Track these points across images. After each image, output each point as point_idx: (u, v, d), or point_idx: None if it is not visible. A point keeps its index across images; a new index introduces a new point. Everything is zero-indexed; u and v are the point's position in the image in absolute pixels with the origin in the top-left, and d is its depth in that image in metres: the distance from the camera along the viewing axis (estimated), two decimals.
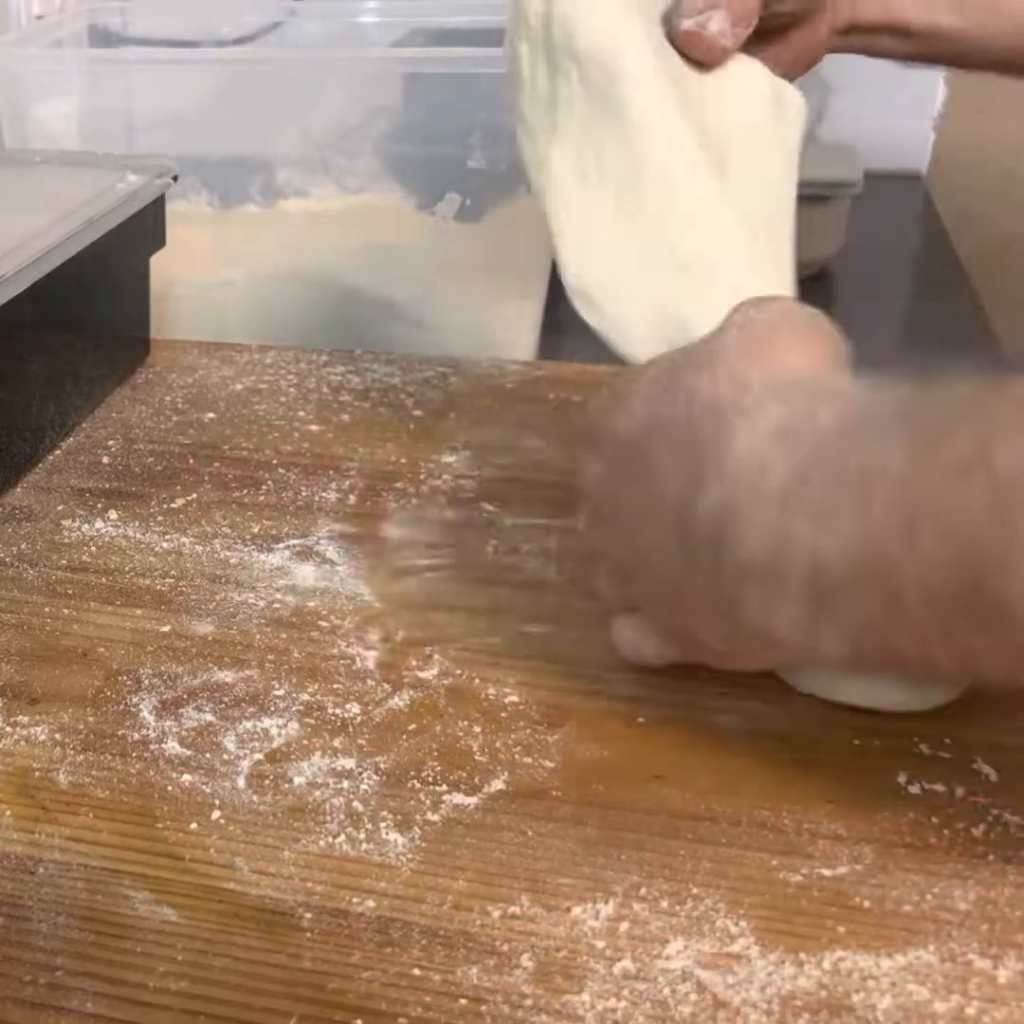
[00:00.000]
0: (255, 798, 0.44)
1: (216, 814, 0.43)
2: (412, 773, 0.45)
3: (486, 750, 0.46)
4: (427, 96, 0.84)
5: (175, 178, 0.74)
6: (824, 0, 0.60)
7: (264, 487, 0.63)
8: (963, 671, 0.43)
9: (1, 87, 0.83)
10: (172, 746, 0.46)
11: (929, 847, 0.41)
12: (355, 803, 0.44)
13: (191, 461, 0.66)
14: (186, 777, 0.45)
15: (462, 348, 0.78)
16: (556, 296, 0.94)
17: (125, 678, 0.50)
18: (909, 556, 0.36)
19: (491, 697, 0.49)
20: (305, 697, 0.49)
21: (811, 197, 1.04)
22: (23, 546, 0.59)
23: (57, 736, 0.47)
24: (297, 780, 0.45)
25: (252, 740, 0.47)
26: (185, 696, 0.49)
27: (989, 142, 1.34)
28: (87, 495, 0.63)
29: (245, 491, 0.63)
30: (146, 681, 0.50)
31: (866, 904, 0.39)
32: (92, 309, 0.71)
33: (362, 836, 0.42)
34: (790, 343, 0.44)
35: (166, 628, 0.53)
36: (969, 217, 1.31)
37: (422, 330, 0.84)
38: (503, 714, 0.48)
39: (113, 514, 0.61)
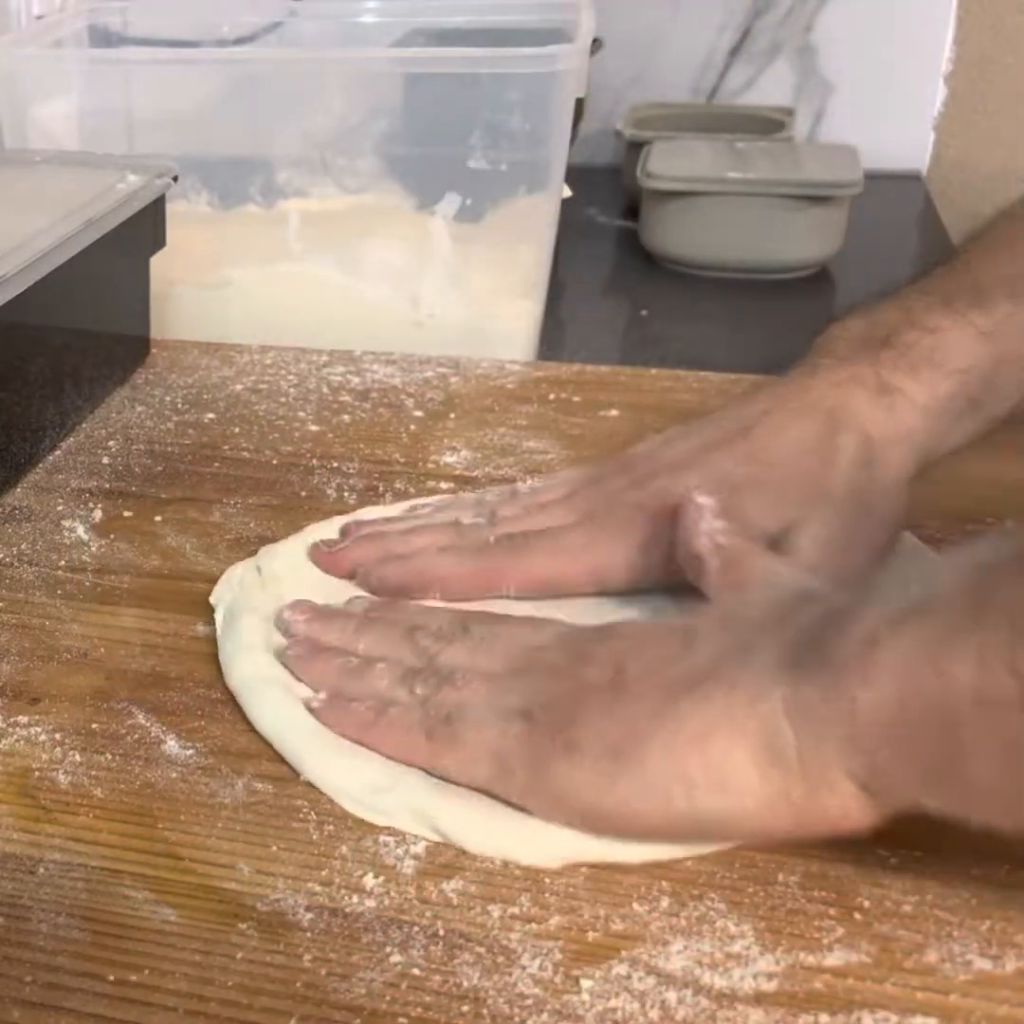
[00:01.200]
0: (255, 798, 0.44)
1: (216, 814, 0.43)
2: None
3: None
4: (427, 96, 0.84)
5: (175, 178, 0.74)
6: None
7: (264, 488, 0.63)
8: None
9: (1, 87, 0.83)
10: (172, 746, 0.46)
11: (928, 847, 0.41)
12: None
13: (191, 461, 0.66)
14: (186, 777, 0.45)
15: (462, 348, 0.78)
16: (556, 296, 0.94)
17: (125, 678, 0.50)
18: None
19: None
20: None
21: (811, 197, 1.05)
22: (23, 546, 0.59)
23: (57, 736, 0.47)
24: (298, 779, 0.45)
25: (253, 740, 0.47)
26: (185, 696, 0.49)
27: (989, 142, 1.34)
28: (87, 495, 0.63)
29: (245, 492, 0.63)
30: (145, 681, 0.50)
31: (866, 904, 0.39)
32: (92, 309, 0.71)
33: (362, 836, 0.42)
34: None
35: (166, 628, 0.53)
36: (969, 217, 1.31)
37: (422, 330, 0.84)
38: None
39: (113, 514, 0.61)
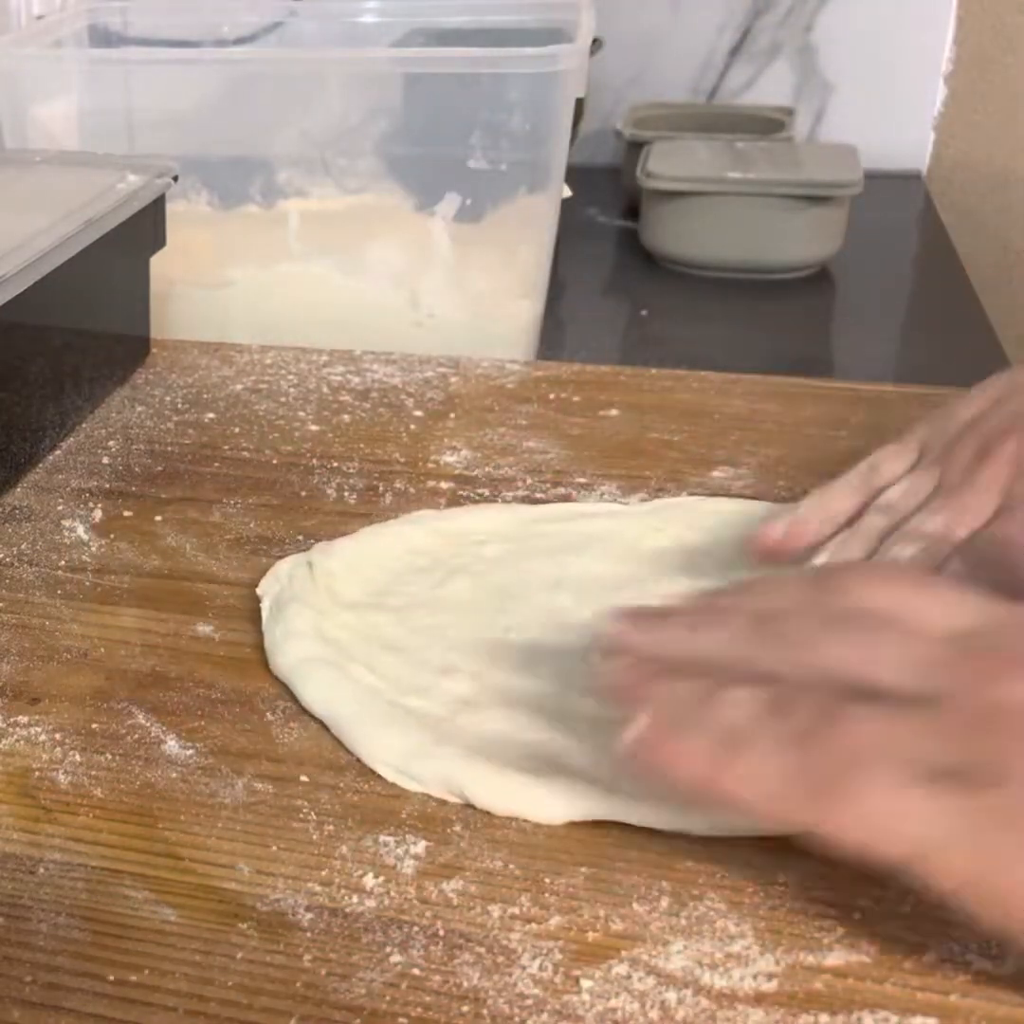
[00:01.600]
0: (255, 798, 0.44)
1: (216, 814, 0.43)
2: None
3: None
4: (427, 96, 0.84)
5: (175, 178, 0.74)
6: None
7: (264, 488, 0.63)
8: None
9: (1, 87, 0.83)
10: (172, 746, 0.46)
11: None
12: (355, 803, 0.44)
13: (191, 461, 0.66)
14: (186, 777, 0.45)
15: (462, 348, 0.78)
16: (556, 296, 0.94)
17: (125, 678, 0.50)
18: None
19: None
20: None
21: (811, 197, 1.05)
22: (23, 546, 0.59)
23: (57, 736, 0.47)
24: (298, 779, 0.45)
25: (253, 740, 0.47)
26: (185, 696, 0.49)
27: (989, 142, 1.34)
28: (87, 495, 0.63)
29: (245, 492, 0.63)
30: (146, 681, 0.50)
31: (866, 904, 0.39)
32: (92, 309, 0.71)
33: (362, 836, 0.42)
34: None
35: (166, 628, 0.53)
36: (969, 217, 1.31)
37: (422, 330, 0.84)
38: None
39: (113, 514, 0.61)
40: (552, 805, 0.42)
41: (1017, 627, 0.36)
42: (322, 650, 0.50)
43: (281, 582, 0.54)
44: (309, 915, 0.39)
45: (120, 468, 0.66)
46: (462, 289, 0.84)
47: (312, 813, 0.43)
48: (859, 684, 0.35)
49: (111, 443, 0.68)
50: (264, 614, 0.53)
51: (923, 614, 0.36)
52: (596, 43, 0.96)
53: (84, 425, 0.70)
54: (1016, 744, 0.33)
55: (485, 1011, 0.36)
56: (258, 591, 0.54)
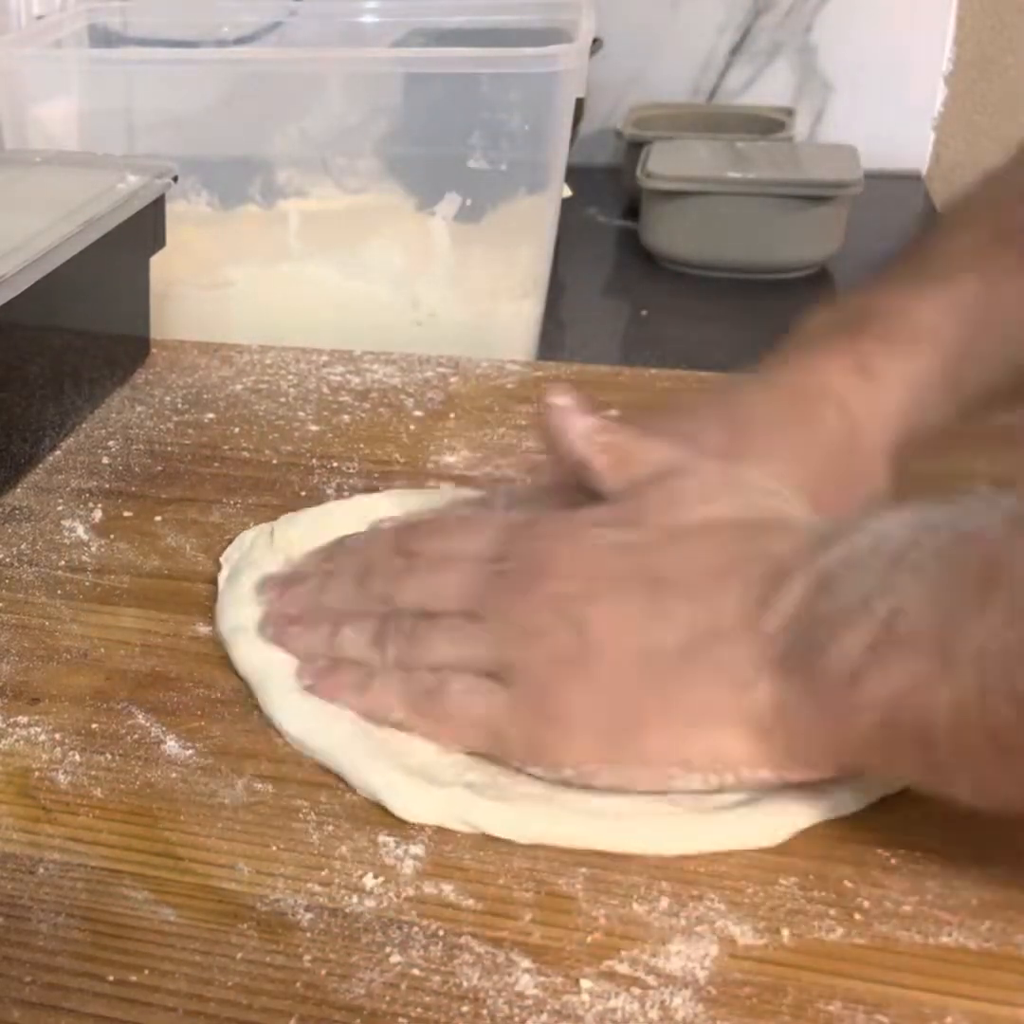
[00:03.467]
0: (255, 798, 0.44)
1: (216, 814, 0.43)
2: None
3: None
4: (427, 96, 0.84)
5: (175, 178, 0.74)
6: None
7: (264, 488, 0.63)
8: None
9: (1, 87, 0.83)
10: (172, 746, 0.46)
11: (928, 847, 0.41)
12: (355, 803, 0.44)
13: (191, 461, 0.66)
14: (186, 777, 0.45)
15: (462, 348, 0.78)
16: (556, 296, 0.94)
17: (125, 678, 0.50)
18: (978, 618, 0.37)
19: None
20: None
21: (811, 197, 1.05)
22: (23, 546, 0.59)
23: (57, 736, 0.47)
24: (298, 779, 0.45)
25: (253, 740, 0.47)
26: (185, 696, 0.49)
27: (989, 142, 1.34)
28: (87, 495, 0.63)
29: (245, 492, 0.63)
30: (145, 681, 0.50)
31: (866, 904, 0.39)
32: (92, 309, 0.71)
33: (362, 836, 0.42)
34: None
35: (166, 628, 0.53)
36: None
37: (422, 330, 0.84)
38: None
39: (113, 514, 0.61)
40: (413, 802, 0.43)
41: (525, 541, 0.47)
42: (255, 617, 0.51)
43: (242, 550, 0.56)
44: (309, 915, 0.39)
45: (120, 468, 0.66)
46: (462, 289, 0.84)
47: (312, 813, 0.43)
48: (429, 611, 0.47)
49: (111, 443, 0.68)
50: (220, 581, 0.54)
51: (466, 548, 0.48)
52: (596, 43, 0.96)
53: (84, 425, 0.70)
54: (520, 653, 0.44)
55: (485, 1011, 0.36)
56: (221, 559, 0.56)
